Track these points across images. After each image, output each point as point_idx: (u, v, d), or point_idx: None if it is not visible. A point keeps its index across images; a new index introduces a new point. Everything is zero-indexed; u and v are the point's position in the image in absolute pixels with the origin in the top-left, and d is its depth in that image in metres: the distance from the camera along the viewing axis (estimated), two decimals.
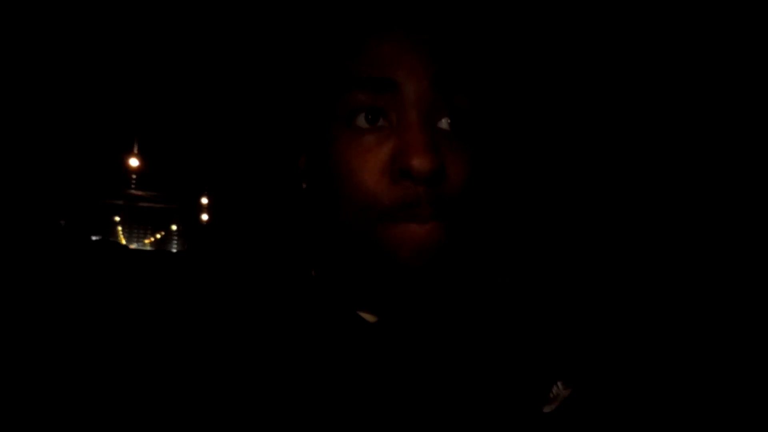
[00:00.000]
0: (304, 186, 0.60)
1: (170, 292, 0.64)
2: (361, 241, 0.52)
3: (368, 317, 0.59)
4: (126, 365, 0.59)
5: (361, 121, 0.51)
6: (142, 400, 0.56)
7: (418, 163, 0.48)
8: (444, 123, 0.52)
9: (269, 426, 0.53)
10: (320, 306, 0.59)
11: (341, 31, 0.55)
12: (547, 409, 0.59)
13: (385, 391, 0.55)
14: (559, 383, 0.60)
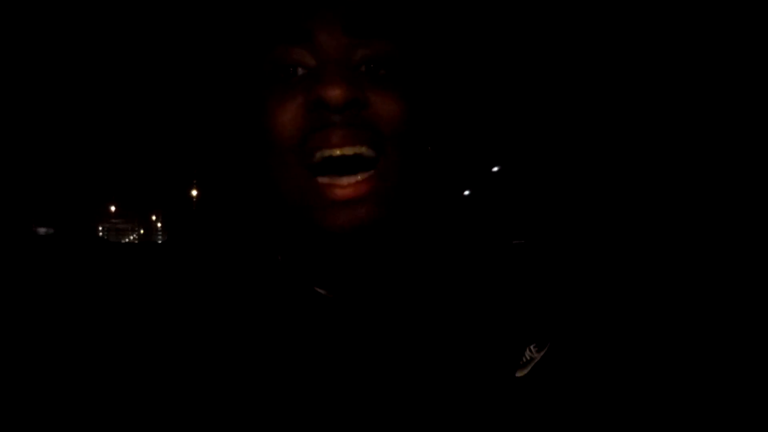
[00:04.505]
0: (246, 158, 0.60)
1: (141, 283, 0.64)
2: (293, 204, 0.53)
3: (328, 293, 0.58)
4: (102, 350, 0.59)
5: (282, 75, 0.52)
6: (121, 377, 0.57)
7: (329, 90, 0.48)
8: (366, 69, 0.52)
9: (236, 398, 0.53)
10: (282, 286, 0.58)
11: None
12: (519, 374, 0.59)
13: (348, 364, 0.55)
14: (531, 347, 0.60)
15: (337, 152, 0.50)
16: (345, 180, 0.51)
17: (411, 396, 0.55)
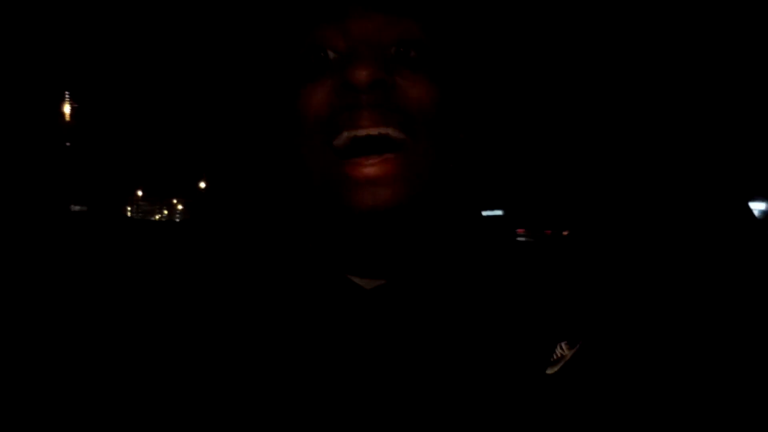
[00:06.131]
0: (281, 148, 0.60)
1: (164, 266, 0.64)
2: (319, 185, 0.53)
3: (365, 283, 0.57)
4: (115, 337, 0.59)
5: (314, 60, 0.53)
6: (132, 368, 0.56)
7: (357, 71, 0.49)
8: (396, 51, 0.52)
9: (266, 398, 0.53)
10: (314, 275, 0.58)
11: None
12: (550, 371, 0.58)
13: (380, 356, 0.54)
14: (562, 344, 0.59)
15: (363, 132, 0.50)
16: (370, 159, 0.50)
17: (440, 390, 0.54)
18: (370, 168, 0.50)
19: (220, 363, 0.54)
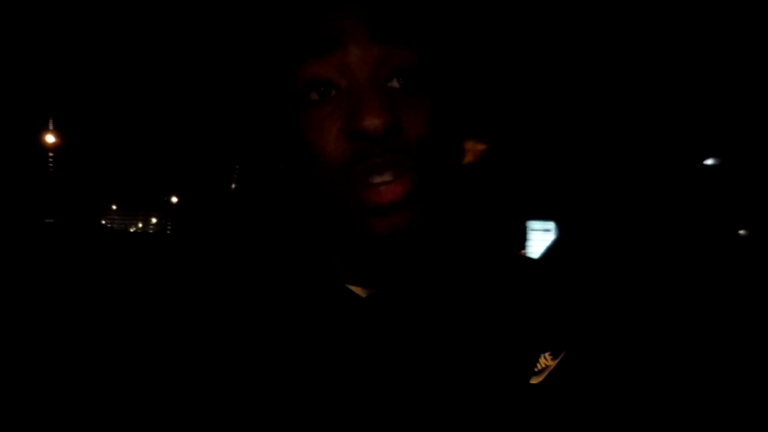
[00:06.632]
0: (281, 168, 0.61)
1: (160, 275, 0.65)
2: (334, 209, 0.53)
3: (360, 291, 0.59)
4: (113, 339, 0.60)
5: (314, 95, 0.52)
6: (129, 367, 0.57)
7: (369, 122, 0.49)
8: (395, 83, 0.53)
9: (263, 401, 0.54)
10: (312, 283, 0.59)
11: (284, 9, 0.55)
12: (534, 381, 0.60)
13: (369, 364, 0.56)
14: (546, 354, 0.61)
15: (378, 179, 0.51)
16: (385, 177, 0.51)
17: (427, 398, 0.55)
18: (386, 190, 0.51)
19: (219, 368, 0.55)
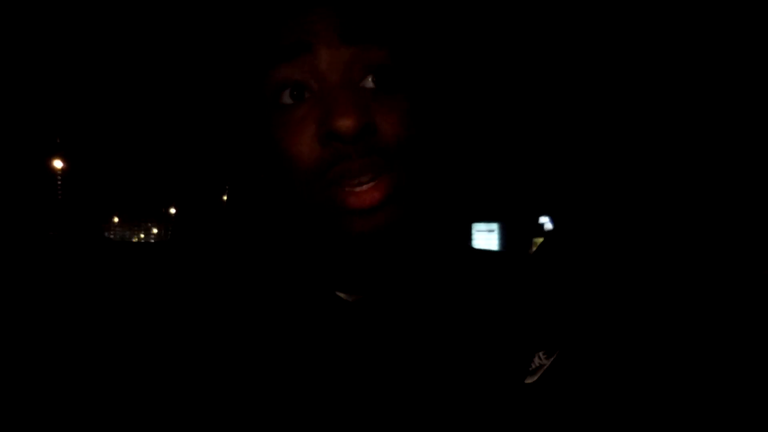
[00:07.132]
0: (262, 176, 0.60)
1: (154, 283, 0.65)
2: (314, 213, 0.53)
3: (348, 297, 0.58)
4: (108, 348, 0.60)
5: (287, 98, 0.52)
6: (122, 373, 0.57)
7: (341, 122, 0.48)
8: (369, 82, 0.52)
9: (253, 409, 0.54)
10: (300, 289, 0.59)
11: (252, 15, 0.55)
12: (529, 380, 0.59)
13: (361, 367, 0.55)
14: (540, 354, 0.60)
15: (355, 181, 0.50)
16: (362, 179, 0.50)
17: (421, 401, 0.55)
18: (364, 193, 0.50)
19: (212, 374, 0.55)
